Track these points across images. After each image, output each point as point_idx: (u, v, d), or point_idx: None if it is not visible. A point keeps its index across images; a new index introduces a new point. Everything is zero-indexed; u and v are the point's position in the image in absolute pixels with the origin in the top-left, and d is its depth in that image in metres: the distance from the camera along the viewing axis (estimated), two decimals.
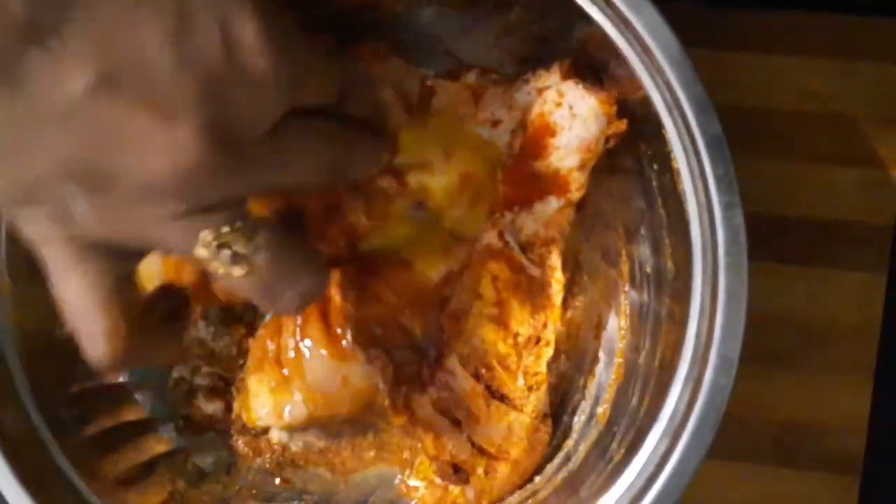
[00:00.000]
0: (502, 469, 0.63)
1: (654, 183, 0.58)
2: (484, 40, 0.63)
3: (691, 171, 0.52)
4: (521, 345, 0.62)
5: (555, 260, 0.63)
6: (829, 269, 0.67)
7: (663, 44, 0.52)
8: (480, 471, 0.63)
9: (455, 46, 0.63)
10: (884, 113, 0.65)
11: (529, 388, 0.62)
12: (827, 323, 0.67)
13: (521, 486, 0.65)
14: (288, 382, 0.63)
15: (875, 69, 0.65)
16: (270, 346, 0.63)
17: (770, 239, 0.66)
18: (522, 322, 0.62)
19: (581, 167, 0.60)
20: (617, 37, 0.53)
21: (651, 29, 0.52)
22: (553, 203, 0.61)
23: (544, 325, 0.63)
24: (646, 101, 0.53)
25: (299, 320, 0.62)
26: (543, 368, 0.63)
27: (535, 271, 0.62)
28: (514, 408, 0.63)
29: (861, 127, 0.66)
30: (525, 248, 0.62)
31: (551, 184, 0.60)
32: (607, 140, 0.60)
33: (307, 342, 0.62)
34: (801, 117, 0.66)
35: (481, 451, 0.63)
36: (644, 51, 0.53)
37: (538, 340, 0.63)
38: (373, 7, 0.62)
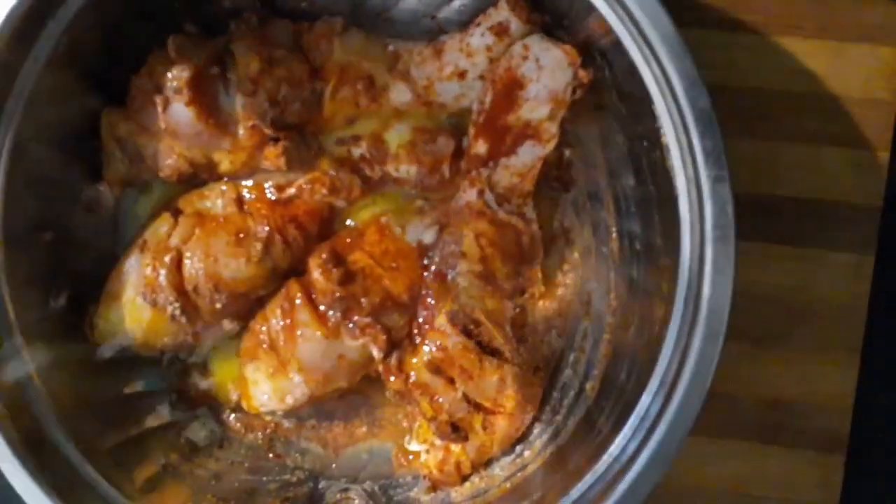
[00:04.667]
0: (500, 422, 0.64)
1: (644, 160, 0.59)
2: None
3: (680, 146, 0.53)
4: (507, 298, 0.63)
5: (531, 211, 0.64)
6: (817, 249, 0.67)
7: (653, 18, 0.53)
8: (478, 426, 0.64)
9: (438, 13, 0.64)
10: (873, 94, 0.66)
11: (519, 340, 0.63)
12: (814, 302, 0.67)
13: (518, 441, 0.66)
14: (285, 366, 0.63)
15: (865, 50, 0.66)
16: (262, 335, 0.64)
17: (759, 219, 0.66)
18: (507, 276, 0.63)
19: (551, 118, 0.61)
20: (607, 12, 0.54)
21: (641, 4, 0.53)
22: (527, 152, 0.62)
23: (528, 277, 0.64)
24: (619, 48, 0.54)
25: (287, 306, 0.63)
26: (531, 320, 0.63)
27: (518, 223, 0.63)
28: (506, 361, 0.63)
29: (851, 107, 0.66)
30: (501, 201, 0.63)
31: (523, 135, 0.61)
32: (574, 90, 0.61)
33: (299, 326, 0.63)
34: (792, 97, 0.66)
35: (477, 407, 0.64)
36: (634, 25, 0.53)
37: (523, 292, 0.63)
38: None
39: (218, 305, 0.62)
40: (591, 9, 0.54)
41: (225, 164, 0.63)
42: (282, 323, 0.63)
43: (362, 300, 0.62)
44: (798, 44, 0.66)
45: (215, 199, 0.64)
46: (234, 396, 0.67)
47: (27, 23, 0.55)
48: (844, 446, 0.67)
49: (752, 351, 0.67)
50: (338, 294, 0.62)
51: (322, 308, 0.63)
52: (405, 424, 0.68)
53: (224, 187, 0.64)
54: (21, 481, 0.55)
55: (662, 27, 0.52)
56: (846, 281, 0.67)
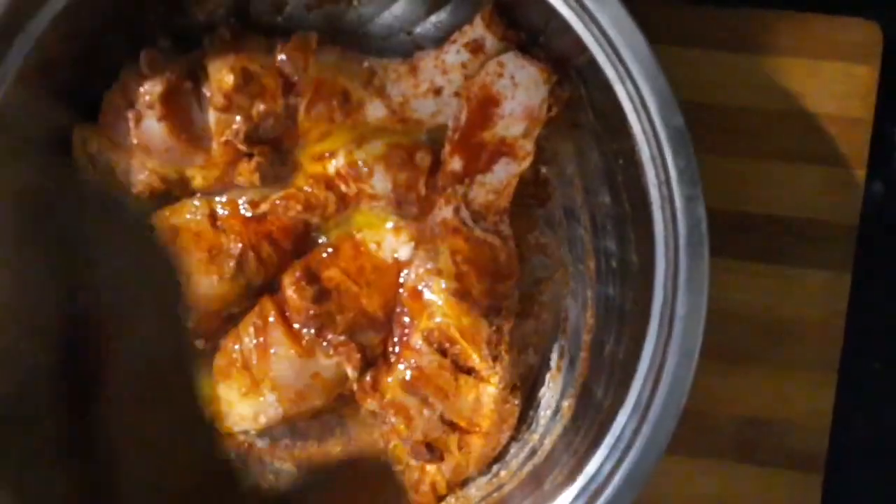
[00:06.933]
0: (475, 442, 0.63)
1: (620, 178, 0.58)
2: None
3: (654, 164, 0.53)
4: (483, 316, 0.62)
5: (507, 228, 0.64)
6: (793, 267, 0.67)
7: (627, 37, 0.53)
8: (454, 446, 0.63)
9: (414, 30, 0.65)
10: (849, 112, 0.66)
11: (495, 359, 0.62)
12: (791, 320, 0.67)
13: (494, 461, 0.65)
14: (258, 385, 0.63)
15: (841, 68, 0.66)
16: (235, 354, 0.63)
17: (735, 236, 0.67)
18: (483, 293, 0.62)
19: (526, 135, 0.61)
20: (582, 30, 0.54)
21: (615, 22, 0.53)
22: (503, 169, 0.62)
23: (504, 295, 0.63)
24: (594, 66, 0.54)
25: (260, 324, 0.62)
26: (507, 338, 0.63)
27: (494, 241, 0.62)
28: (482, 380, 0.63)
29: (826, 125, 0.66)
30: (477, 218, 0.63)
31: (499, 153, 0.61)
32: (549, 108, 0.61)
33: (272, 345, 0.62)
34: (768, 115, 0.66)
35: (453, 427, 0.63)
36: (608, 44, 0.53)
37: (499, 310, 0.63)
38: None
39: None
40: (566, 27, 0.54)
41: (198, 180, 0.63)
42: (255, 341, 0.62)
43: (337, 318, 0.62)
44: (772, 62, 0.66)
45: (188, 216, 0.63)
46: (206, 416, 0.66)
47: None
48: (822, 465, 0.67)
49: (727, 369, 0.67)
50: (312, 312, 0.62)
51: (296, 326, 0.62)
52: (381, 444, 0.67)
53: (197, 203, 0.63)
54: None
55: (636, 46, 0.52)
56: (823, 299, 0.67)
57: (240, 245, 0.62)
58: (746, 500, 0.67)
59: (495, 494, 0.64)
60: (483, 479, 0.65)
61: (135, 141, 0.61)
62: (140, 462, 0.62)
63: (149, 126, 0.61)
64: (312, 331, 0.62)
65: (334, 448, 0.68)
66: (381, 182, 0.63)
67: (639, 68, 0.52)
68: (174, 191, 0.63)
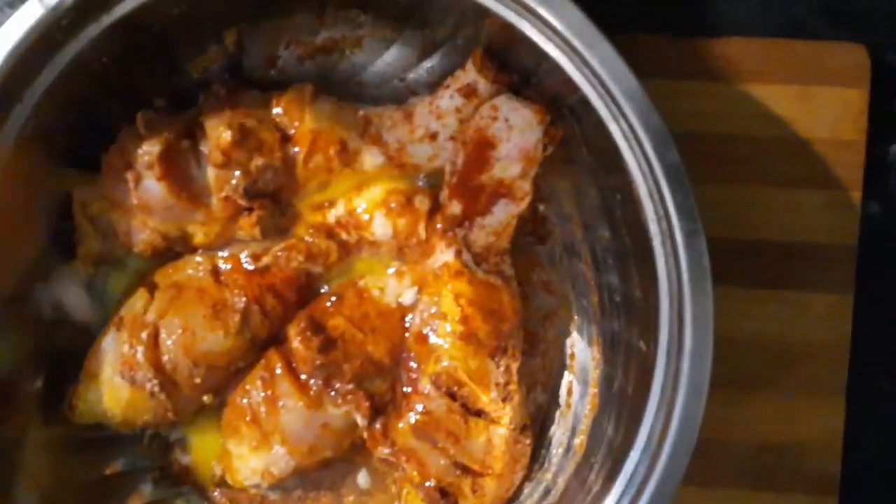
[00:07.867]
0: (489, 484, 0.63)
1: (618, 213, 0.59)
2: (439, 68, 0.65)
3: (652, 200, 0.53)
4: (489, 357, 0.62)
5: (509, 268, 0.64)
6: (796, 291, 0.67)
7: (618, 77, 0.53)
8: (468, 490, 0.63)
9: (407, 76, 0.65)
10: (842, 135, 0.67)
11: (504, 400, 0.62)
12: (797, 344, 0.67)
13: (509, 502, 0.65)
14: (268, 439, 0.63)
15: (831, 92, 0.66)
16: (243, 408, 0.63)
17: (736, 263, 0.67)
18: (489, 334, 0.62)
19: (523, 176, 0.62)
20: (573, 71, 0.54)
21: (605, 62, 0.53)
22: (502, 210, 0.62)
23: (510, 335, 0.63)
24: (586, 105, 0.54)
25: (267, 377, 0.62)
26: (515, 377, 0.63)
27: (497, 282, 0.63)
28: (492, 421, 0.63)
29: (820, 149, 0.67)
30: (479, 260, 0.63)
31: (497, 194, 0.62)
32: (545, 147, 0.61)
33: (280, 397, 0.62)
34: (762, 142, 0.67)
35: (465, 470, 0.63)
36: (600, 83, 0.54)
37: (506, 350, 0.63)
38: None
39: (197, 380, 0.61)
40: (557, 68, 0.55)
41: (199, 237, 0.63)
42: (263, 394, 0.62)
43: (344, 366, 0.62)
44: (763, 89, 0.67)
45: (190, 272, 0.63)
46: (217, 471, 0.66)
47: None
48: (836, 487, 0.67)
49: (737, 397, 0.67)
50: (319, 362, 0.62)
51: (303, 377, 0.62)
52: (394, 490, 0.67)
53: (199, 259, 0.63)
54: None
55: (628, 84, 0.53)
56: (827, 321, 0.67)
57: (244, 299, 0.62)
58: None
59: None
60: None
61: (135, 201, 0.61)
62: None
63: (148, 186, 0.61)
64: (320, 381, 0.62)
65: (347, 497, 0.68)
66: (381, 228, 0.63)
67: (631, 106, 0.53)
68: (176, 248, 0.64)
